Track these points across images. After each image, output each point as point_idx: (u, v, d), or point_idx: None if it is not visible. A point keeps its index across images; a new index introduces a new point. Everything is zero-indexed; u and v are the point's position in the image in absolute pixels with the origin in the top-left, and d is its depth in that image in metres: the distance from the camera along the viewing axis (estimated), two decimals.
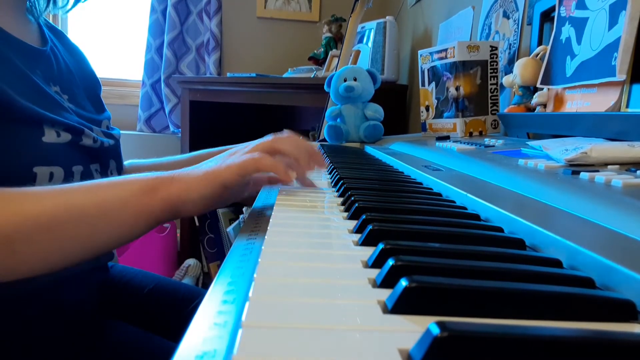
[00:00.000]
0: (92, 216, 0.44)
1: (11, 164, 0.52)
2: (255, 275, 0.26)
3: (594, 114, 0.66)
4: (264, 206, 0.51)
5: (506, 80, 0.91)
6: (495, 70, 0.99)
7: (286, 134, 0.56)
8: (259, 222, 0.43)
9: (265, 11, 2.30)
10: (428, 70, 1.09)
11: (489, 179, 0.51)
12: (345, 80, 1.14)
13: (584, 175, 0.42)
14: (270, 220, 0.38)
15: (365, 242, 0.33)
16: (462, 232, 0.34)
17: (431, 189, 0.55)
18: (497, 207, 0.39)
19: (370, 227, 0.33)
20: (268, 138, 0.53)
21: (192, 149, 1.96)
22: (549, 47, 0.79)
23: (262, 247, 0.31)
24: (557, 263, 0.29)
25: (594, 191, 0.37)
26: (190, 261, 1.99)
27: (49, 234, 0.41)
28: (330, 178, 0.63)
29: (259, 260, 0.28)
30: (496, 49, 0.99)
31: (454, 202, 0.47)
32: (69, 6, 0.74)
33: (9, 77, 0.55)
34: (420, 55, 1.11)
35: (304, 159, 0.53)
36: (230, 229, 1.98)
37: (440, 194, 0.52)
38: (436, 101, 1.07)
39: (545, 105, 0.81)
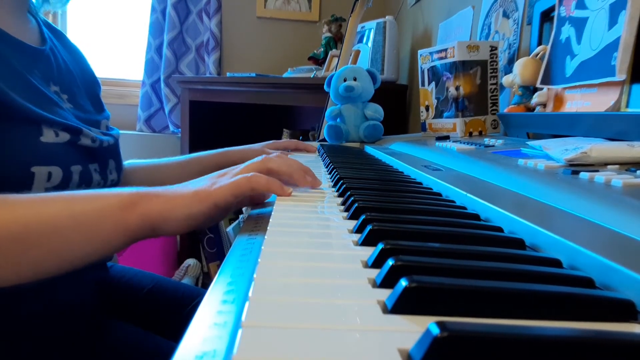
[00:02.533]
0: (66, 228, 0.42)
1: (9, 163, 0.52)
2: (255, 275, 0.26)
3: (594, 114, 0.66)
4: (263, 206, 0.51)
5: (506, 80, 0.91)
6: (495, 70, 0.99)
7: (276, 153, 0.55)
8: (259, 222, 0.43)
9: (265, 11, 2.30)
10: (428, 70, 1.09)
11: (488, 179, 0.51)
12: (345, 80, 1.14)
13: (584, 175, 0.42)
14: (270, 220, 0.38)
15: (365, 242, 0.33)
16: (462, 232, 0.34)
17: (431, 188, 0.55)
18: (497, 207, 0.39)
19: (370, 227, 0.33)
20: (258, 158, 0.52)
21: (191, 149, 1.96)
22: (548, 47, 0.79)
23: (262, 247, 0.31)
24: (556, 263, 0.29)
25: (593, 191, 0.37)
26: (190, 261, 1.99)
27: (20, 244, 0.40)
28: (330, 178, 0.63)
29: (259, 260, 0.28)
30: (496, 48, 0.99)
31: (453, 202, 0.47)
32: None
33: (6, 77, 0.55)
34: (420, 55, 1.11)
35: (298, 175, 0.52)
36: (230, 229, 1.98)
37: (440, 194, 0.52)
38: (436, 101, 1.07)
39: (545, 105, 0.81)
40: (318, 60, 2.07)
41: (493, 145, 0.73)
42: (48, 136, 0.56)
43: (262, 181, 0.46)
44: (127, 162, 0.85)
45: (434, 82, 1.08)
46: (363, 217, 0.37)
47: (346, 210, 0.44)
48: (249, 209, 0.53)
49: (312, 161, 0.86)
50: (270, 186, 0.47)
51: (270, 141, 1.00)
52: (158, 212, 0.44)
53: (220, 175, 0.50)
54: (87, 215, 0.43)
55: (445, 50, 1.01)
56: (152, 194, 0.45)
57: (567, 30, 0.74)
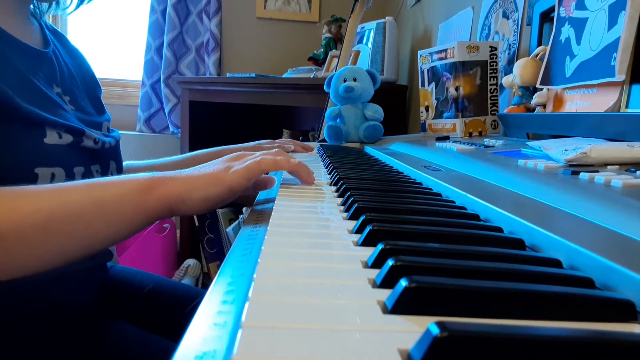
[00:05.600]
0: (89, 214, 0.44)
1: (13, 165, 0.52)
2: (255, 275, 0.26)
3: (593, 114, 0.66)
4: (263, 206, 0.51)
5: (506, 80, 0.91)
6: (495, 71, 0.99)
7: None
8: (259, 222, 0.43)
9: (265, 11, 2.30)
10: (428, 70, 1.09)
11: (488, 179, 0.51)
12: (345, 81, 1.14)
13: (584, 175, 0.42)
14: (270, 220, 0.38)
15: (364, 242, 0.33)
16: (462, 232, 0.34)
17: (431, 189, 0.55)
18: (497, 207, 0.39)
19: (369, 227, 0.33)
20: (272, 150, 0.55)
21: (191, 150, 1.95)
22: (548, 48, 0.79)
23: (262, 247, 0.31)
24: (556, 263, 0.29)
25: (593, 191, 0.37)
26: (190, 261, 1.99)
27: (44, 232, 0.41)
28: (330, 178, 0.63)
29: (259, 260, 0.28)
30: (496, 49, 0.99)
31: (453, 202, 0.47)
32: (72, 8, 0.74)
33: (11, 79, 0.55)
34: (420, 56, 1.11)
35: (305, 171, 0.56)
36: (230, 229, 1.98)
37: (440, 194, 0.52)
38: (436, 101, 1.07)
39: (544, 106, 0.81)
40: (318, 61, 2.07)
41: (493, 146, 0.73)
42: (51, 138, 0.56)
43: (270, 161, 0.51)
44: (125, 163, 0.85)
45: (433, 83, 1.08)
46: (363, 217, 0.37)
47: (346, 210, 0.44)
48: (249, 209, 0.54)
49: (312, 161, 0.86)
50: (278, 163, 0.51)
51: (267, 140, 1.01)
52: (176, 194, 0.47)
53: (233, 158, 0.53)
54: (108, 201, 0.45)
55: (445, 50, 1.01)
56: (168, 177, 0.48)
57: (567, 31, 0.74)
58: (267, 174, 0.59)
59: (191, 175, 0.49)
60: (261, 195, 0.56)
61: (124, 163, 0.85)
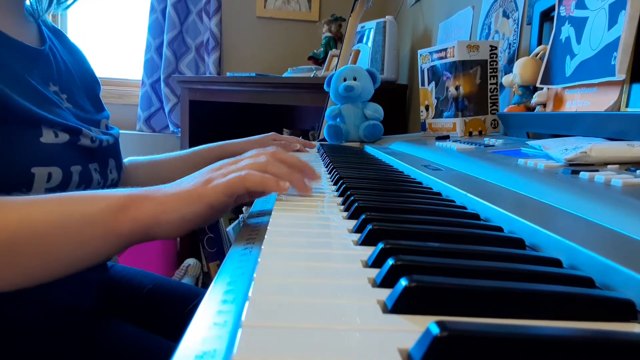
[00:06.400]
0: (54, 234, 0.40)
1: (9, 165, 0.52)
2: (255, 275, 0.26)
3: (593, 113, 0.66)
4: (263, 206, 0.50)
5: (506, 79, 0.91)
6: (495, 70, 0.99)
7: (274, 149, 0.51)
8: (259, 222, 0.43)
9: (265, 11, 2.29)
10: (428, 69, 1.09)
11: (488, 179, 0.51)
12: (345, 80, 1.14)
13: (584, 174, 0.42)
14: (270, 220, 0.38)
15: (365, 242, 0.33)
16: (462, 232, 0.34)
17: (431, 188, 0.54)
18: (497, 206, 0.39)
19: (369, 226, 0.33)
20: (261, 159, 0.47)
21: None
22: (548, 47, 0.79)
23: (262, 247, 0.31)
24: (556, 262, 0.29)
25: (593, 191, 0.37)
26: (190, 261, 1.99)
27: (8, 251, 0.39)
28: (330, 178, 0.63)
29: (259, 260, 0.28)
30: (496, 48, 0.99)
31: (453, 201, 0.47)
32: (70, 1, 0.74)
33: (5, 78, 0.55)
34: (420, 55, 1.11)
35: (297, 180, 0.49)
36: (230, 228, 1.98)
37: (440, 194, 0.52)
38: (436, 101, 1.07)
39: (544, 105, 0.81)
40: (318, 60, 2.07)
41: (493, 145, 0.73)
42: (48, 137, 0.56)
43: (256, 179, 0.43)
44: (127, 160, 0.86)
45: (433, 82, 1.08)
46: (363, 216, 0.36)
47: (346, 210, 0.44)
48: (249, 209, 0.53)
49: (313, 160, 0.86)
50: (265, 184, 0.44)
51: (272, 133, 1.00)
52: (151, 216, 0.42)
53: (215, 169, 0.47)
54: (77, 220, 0.41)
55: (445, 50, 1.01)
56: (143, 196, 0.43)
57: (567, 30, 0.74)
58: None
59: (167, 193, 0.43)
60: (257, 203, 0.53)
61: (128, 159, 0.85)
